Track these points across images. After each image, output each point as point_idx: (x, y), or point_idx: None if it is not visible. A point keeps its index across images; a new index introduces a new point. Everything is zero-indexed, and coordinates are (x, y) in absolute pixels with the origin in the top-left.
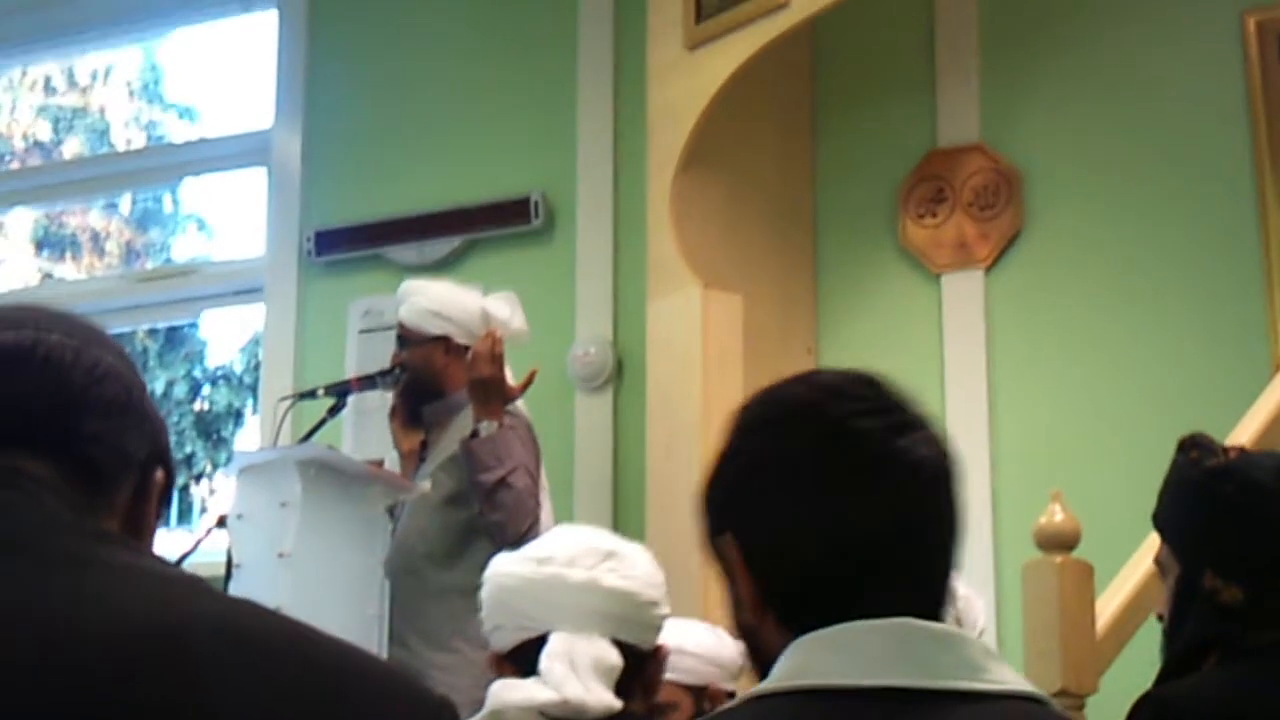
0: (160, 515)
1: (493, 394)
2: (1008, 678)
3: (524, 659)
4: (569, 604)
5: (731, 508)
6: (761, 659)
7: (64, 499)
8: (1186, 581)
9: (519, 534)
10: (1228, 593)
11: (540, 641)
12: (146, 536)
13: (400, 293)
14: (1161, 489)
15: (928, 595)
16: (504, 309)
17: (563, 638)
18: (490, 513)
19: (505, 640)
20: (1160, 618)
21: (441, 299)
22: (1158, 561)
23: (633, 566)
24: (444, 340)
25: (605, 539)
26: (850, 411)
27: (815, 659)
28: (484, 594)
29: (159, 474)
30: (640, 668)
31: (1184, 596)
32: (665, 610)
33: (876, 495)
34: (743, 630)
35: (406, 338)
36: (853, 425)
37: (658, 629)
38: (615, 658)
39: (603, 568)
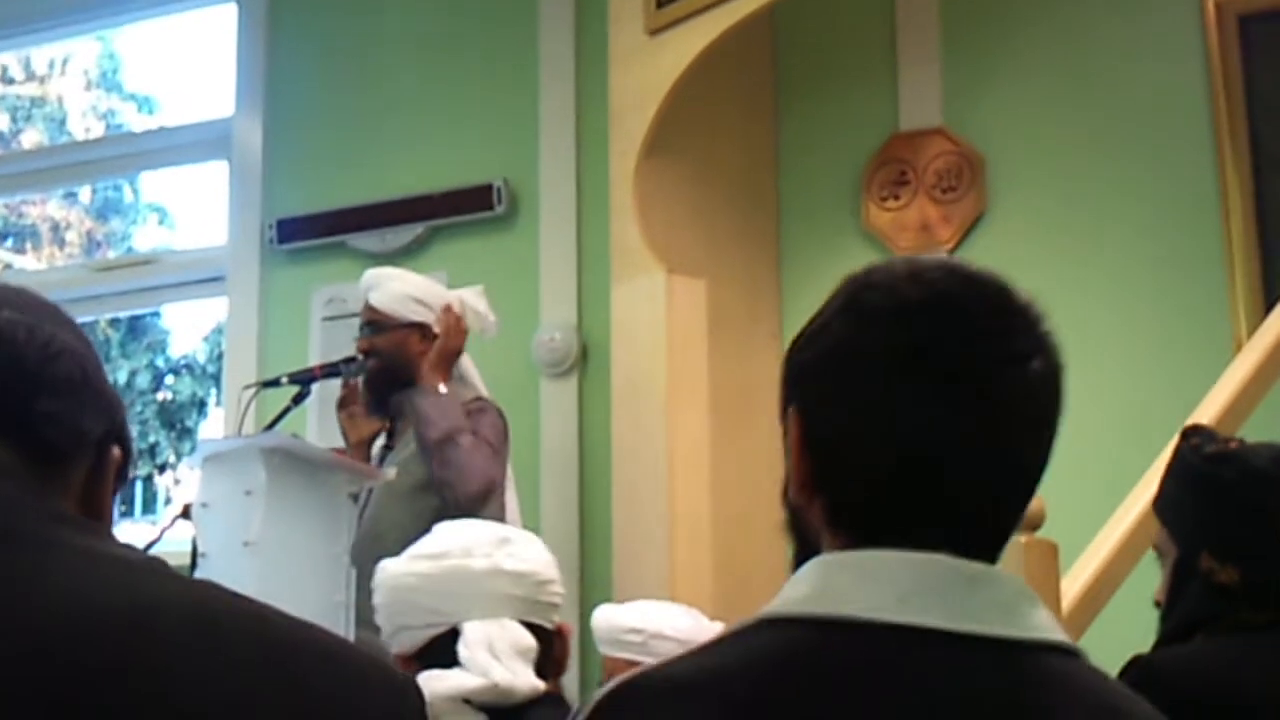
0: (117, 492)
1: (450, 362)
2: (1040, 623)
3: (434, 656)
4: (476, 592)
5: (805, 381)
6: (802, 539)
7: (20, 481)
8: (1184, 563)
9: (468, 494)
10: (1224, 573)
11: (449, 635)
12: (104, 515)
13: (369, 279)
14: (1163, 476)
15: (981, 535)
16: (481, 301)
17: (476, 626)
18: (439, 469)
19: (414, 640)
20: (1158, 604)
21: (420, 286)
22: (1156, 546)
23: (528, 549)
24: (419, 327)
25: (494, 528)
26: (957, 327)
27: (839, 585)
28: (378, 600)
29: (115, 452)
30: (549, 647)
31: (1181, 577)
32: (561, 589)
33: (959, 420)
34: (788, 506)
35: (380, 323)
36: (954, 341)
37: (558, 607)
38: (530, 639)
39: (501, 553)
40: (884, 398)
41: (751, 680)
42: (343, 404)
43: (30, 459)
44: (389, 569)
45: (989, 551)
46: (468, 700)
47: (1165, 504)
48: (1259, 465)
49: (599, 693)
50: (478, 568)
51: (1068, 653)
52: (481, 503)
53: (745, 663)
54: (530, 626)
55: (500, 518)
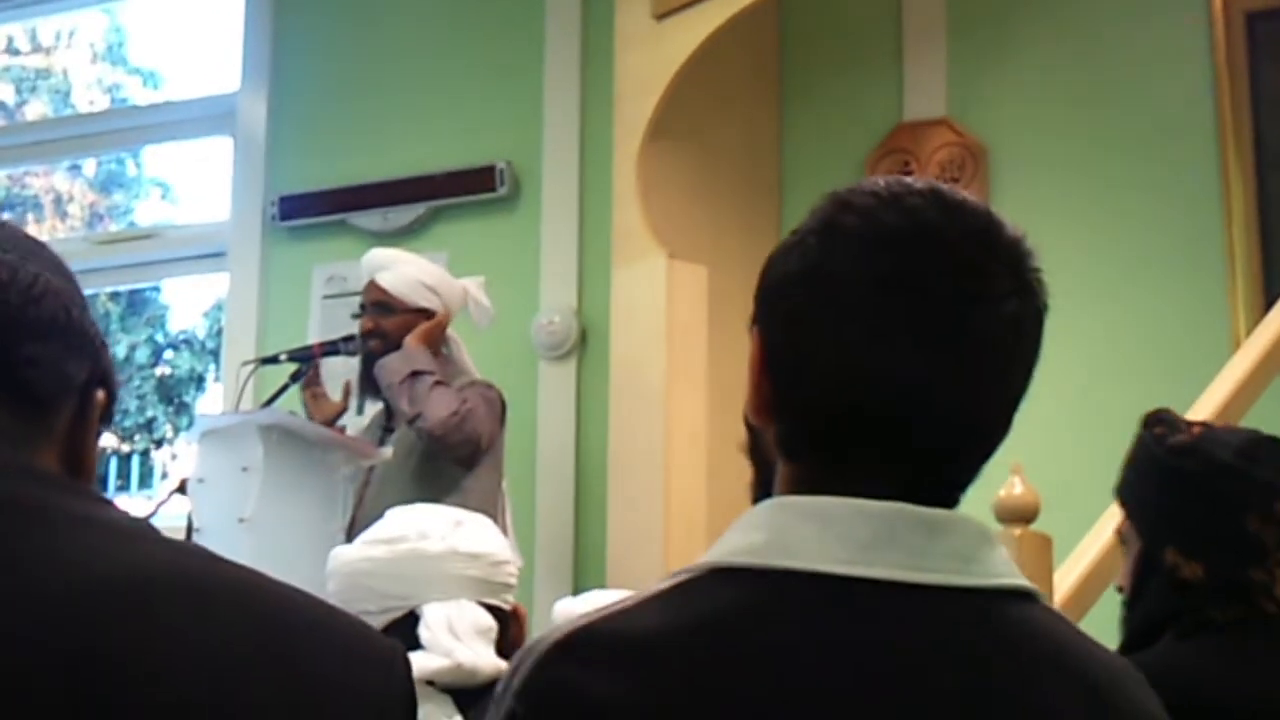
0: (101, 434)
1: (436, 340)
2: (999, 567)
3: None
4: (433, 574)
5: (774, 302)
6: (762, 461)
7: (3, 431)
8: (1147, 557)
9: (440, 419)
10: (1188, 569)
11: (408, 619)
12: (88, 462)
13: (377, 259)
14: (1125, 463)
15: (941, 477)
16: (483, 294)
17: (436, 608)
18: (408, 406)
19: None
20: (1120, 589)
21: (433, 273)
22: (1119, 533)
23: (481, 529)
24: (426, 314)
25: (446, 511)
26: (936, 262)
27: (796, 535)
28: (332, 587)
29: (100, 395)
30: (505, 628)
31: (1144, 571)
32: (514, 569)
33: (925, 357)
34: (748, 428)
35: (388, 304)
36: (936, 283)
37: (513, 588)
38: (489, 619)
39: (456, 535)
40: (849, 327)
41: (710, 639)
42: (308, 383)
43: (12, 406)
44: (342, 555)
45: (949, 493)
46: (431, 682)
47: (1127, 493)
48: (1223, 457)
49: (542, 641)
50: (434, 550)
51: (1026, 596)
52: (456, 430)
53: (701, 619)
54: (487, 608)
55: (472, 465)
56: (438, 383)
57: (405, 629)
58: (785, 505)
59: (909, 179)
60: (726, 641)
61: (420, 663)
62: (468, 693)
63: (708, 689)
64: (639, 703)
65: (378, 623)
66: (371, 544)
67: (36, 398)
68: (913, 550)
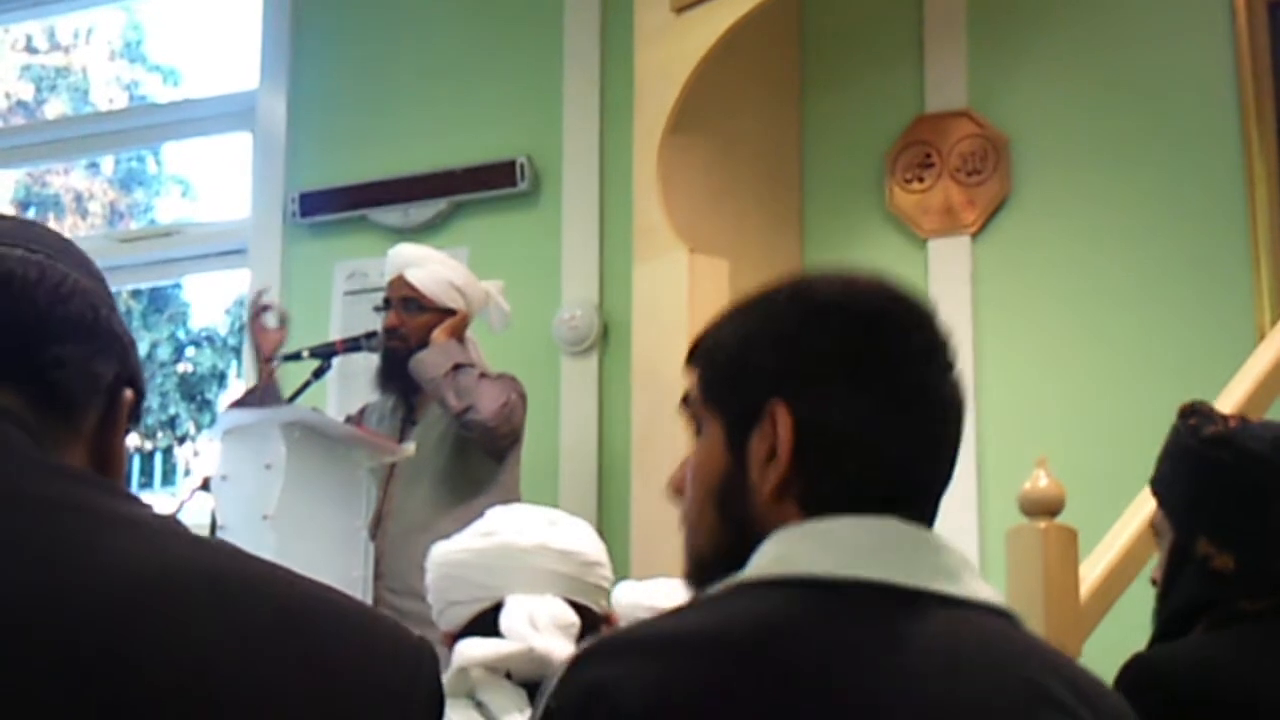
0: (129, 434)
1: (460, 335)
2: (981, 590)
3: (478, 629)
4: (521, 567)
5: (791, 379)
6: (746, 541)
7: (30, 429)
8: (1180, 547)
9: (492, 411)
10: (1220, 560)
11: (495, 610)
12: (116, 462)
13: (406, 255)
14: (1160, 454)
15: (922, 515)
16: (504, 299)
17: (519, 599)
18: (455, 400)
19: (460, 616)
20: (1154, 582)
21: (463, 275)
22: (1153, 525)
23: (575, 529)
24: (450, 314)
25: (544, 511)
26: (926, 338)
27: (797, 549)
28: (430, 580)
29: (128, 394)
30: (594, 629)
31: (1177, 562)
32: (609, 574)
33: (921, 422)
34: (730, 515)
35: (418, 302)
36: (927, 350)
37: (605, 592)
38: (572, 615)
39: (549, 532)
40: (877, 397)
41: (739, 634)
42: (254, 317)
43: (40, 406)
44: (441, 548)
45: (930, 526)
46: (509, 675)
47: (1162, 484)
48: (1257, 449)
49: (580, 646)
50: (524, 544)
51: (1005, 615)
52: (506, 422)
53: (729, 620)
54: (576, 607)
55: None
56: (482, 375)
57: (489, 619)
58: (783, 533)
59: (854, 272)
60: (755, 636)
61: (495, 646)
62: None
63: (726, 681)
64: (661, 694)
65: (466, 612)
66: (470, 537)
67: (64, 398)
68: (906, 560)
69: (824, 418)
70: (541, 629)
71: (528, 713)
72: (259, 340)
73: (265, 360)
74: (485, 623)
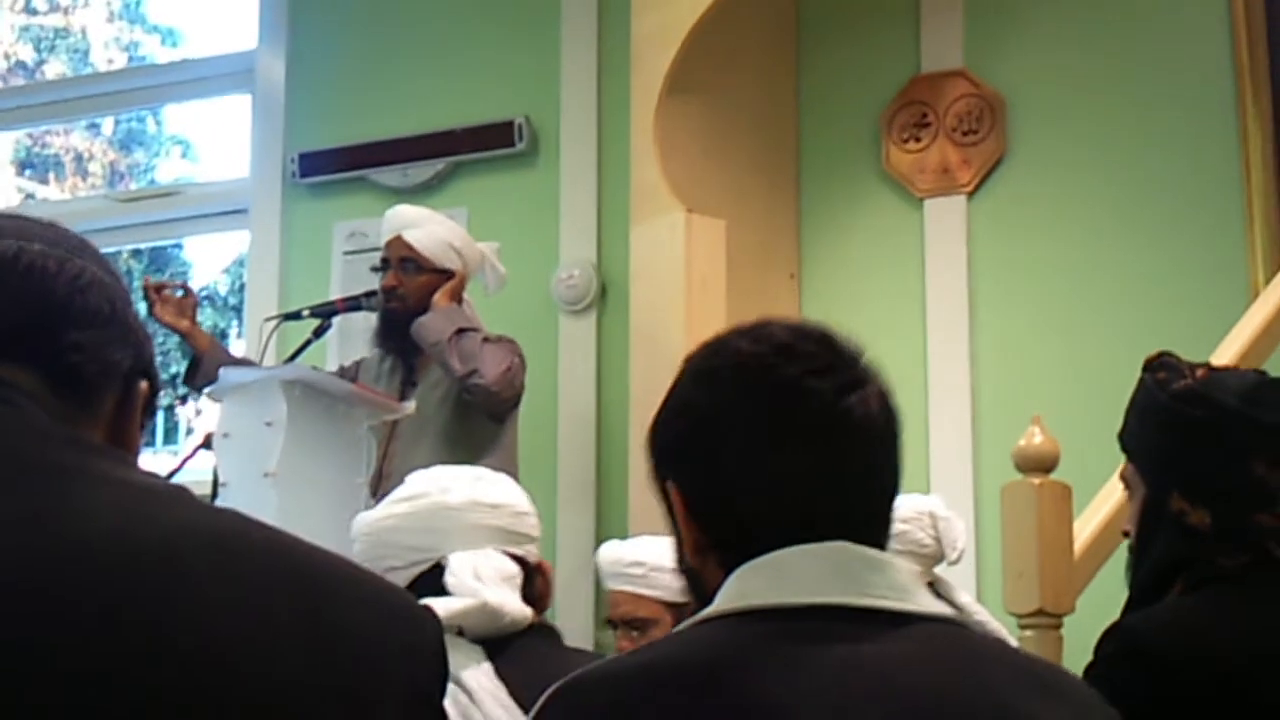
0: (144, 426)
1: (458, 298)
2: (929, 604)
3: (422, 591)
4: (456, 525)
5: (677, 458)
6: (702, 597)
7: (49, 409)
8: (1153, 503)
9: (497, 375)
10: (1195, 516)
11: (434, 571)
12: (131, 448)
13: (405, 216)
14: (1128, 408)
15: (864, 542)
16: (499, 261)
17: (461, 556)
18: (460, 364)
19: (400, 580)
20: (1126, 534)
21: (460, 235)
22: (1123, 478)
23: (501, 482)
24: (448, 275)
25: (465, 469)
26: (801, 371)
27: (752, 583)
28: (359, 550)
29: (143, 385)
30: (530, 579)
31: (1151, 518)
32: (537, 523)
33: (821, 453)
34: (684, 571)
35: (417, 263)
36: (802, 385)
37: (535, 540)
38: (513, 566)
39: (476, 488)
40: (758, 445)
41: (700, 662)
42: (157, 288)
43: (59, 389)
44: (367, 517)
45: (879, 548)
46: (461, 633)
47: (1131, 439)
48: (1227, 402)
49: (554, 686)
50: (456, 502)
51: (956, 624)
52: (509, 385)
53: (690, 650)
54: (513, 558)
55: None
56: (485, 339)
57: (432, 581)
58: (739, 571)
59: (750, 323)
60: (714, 662)
61: (447, 606)
62: (496, 642)
63: (682, 709)
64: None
65: (404, 577)
66: (394, 503)
67: (81, 381)
68: (857, 580)
69: (712, 484)
70: (488, 583)
71: (485, 666)
72: (170, 314)
73: (191, 323)
74: (427, 583)
